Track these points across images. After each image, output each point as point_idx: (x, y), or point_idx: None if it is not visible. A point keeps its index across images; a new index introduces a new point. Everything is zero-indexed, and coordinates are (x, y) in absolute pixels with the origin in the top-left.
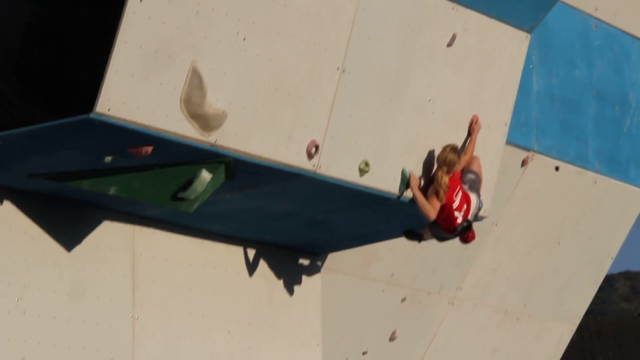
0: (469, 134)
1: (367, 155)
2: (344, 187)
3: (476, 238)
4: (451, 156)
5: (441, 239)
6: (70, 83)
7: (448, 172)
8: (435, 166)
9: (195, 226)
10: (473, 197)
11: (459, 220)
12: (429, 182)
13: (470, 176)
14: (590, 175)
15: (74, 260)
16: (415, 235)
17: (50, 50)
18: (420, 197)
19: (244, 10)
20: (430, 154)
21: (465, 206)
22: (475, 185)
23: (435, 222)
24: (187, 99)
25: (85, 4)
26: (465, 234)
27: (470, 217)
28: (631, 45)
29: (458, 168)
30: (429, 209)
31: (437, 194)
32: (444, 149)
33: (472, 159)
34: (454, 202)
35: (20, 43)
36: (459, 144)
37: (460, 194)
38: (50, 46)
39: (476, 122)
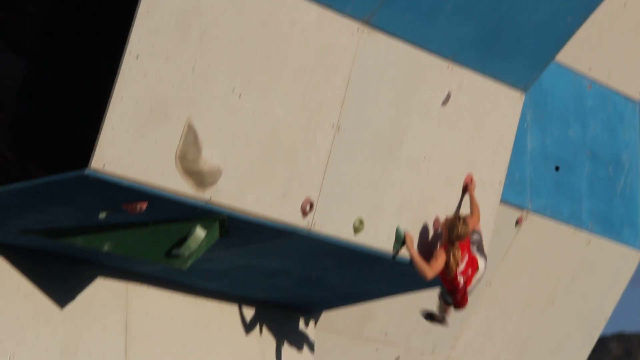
0: (464, 192)
1: (361, 213)
2: (338, 245)
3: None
4: (464, 229)
5: (444, 300)
6: (65, 139)
7: (461, 242)
8: (444, 235)
9: (189, 283)
10: (481, 261)
11: (461, 284)
12: (427, 241)
13: (475, 237)
14: (584, 235)
15: (66, 317)
16: (434, 317)
17: (45, 106)
18: (416, 256)
19: (239, 67)
20: (425, 212)
21: (469, 270)
22: (481, 246)
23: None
24: (182, 156)
25: (81, 59)
26: (457, 300)
27: (474, 280)
28: (625, 106)
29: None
30: (426, 268)
31: (446, 264)
32: (456, 222)
33: (477, 219)
34: (459, 267)
35: (15, 98)
36: (454, 202)
37: (466, 258)
38: (45, 101)
39: (471, 181)
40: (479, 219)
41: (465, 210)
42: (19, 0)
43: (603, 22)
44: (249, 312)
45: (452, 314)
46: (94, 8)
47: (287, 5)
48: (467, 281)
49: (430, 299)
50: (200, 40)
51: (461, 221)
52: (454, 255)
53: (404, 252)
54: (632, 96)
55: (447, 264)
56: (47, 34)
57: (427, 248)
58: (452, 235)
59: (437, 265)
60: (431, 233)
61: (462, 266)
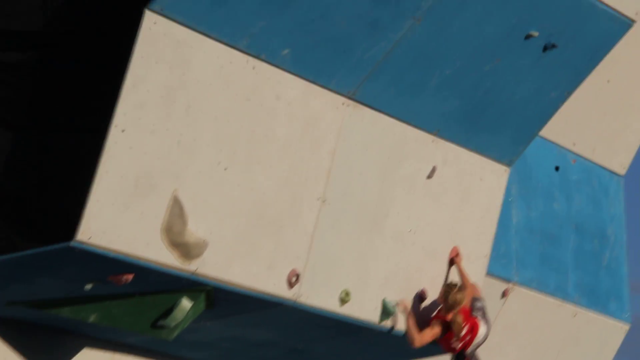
0: (450, 265)
1: (347, 285)
2: (324, 317)
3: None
4: (460, 295)
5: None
6: (51, 211)
7: (458, 310)
8: (443, 306)
9: (175, 354)
10: (482, 326)
11: (457, 348)
12: (415, 311)
13: (478, 304)
14: (570, 307)
15: None
16: None
17: (30, 179)
18: (411, 322)
19: (225, 140)
20: (411, 284)
21: (468, 337)
22: (485, 312)
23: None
24: (168, 228)
25: (66, 132)
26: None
27: (472, 346)
28: (609, 180)
29: (465, 303)
30: (416, 335)
31: (450, 330)
32: (449, 290)
33: (474, 288)
34: (452, 342)
35: (1, 171)
36: (440, 274)
37: (467, 326)
38: (30, 175)
39: (457, 254)
40: (475, 287)
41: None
42: (4, 74)
43: (587, 98)
44: None
45: None
46: (80, 82)
47: (272, 79)
48: (465, 345)
49: None
50: (186, 114)
51: (455, 289)
52: (455, 321)
53: (389, 324)
54: (616, 170)
55: (450, 330)
56: (32, 107)
57: (415, 318)
58: (448, 303)
59: (429, 335)
60: (418, 304)
61: (463, 331)
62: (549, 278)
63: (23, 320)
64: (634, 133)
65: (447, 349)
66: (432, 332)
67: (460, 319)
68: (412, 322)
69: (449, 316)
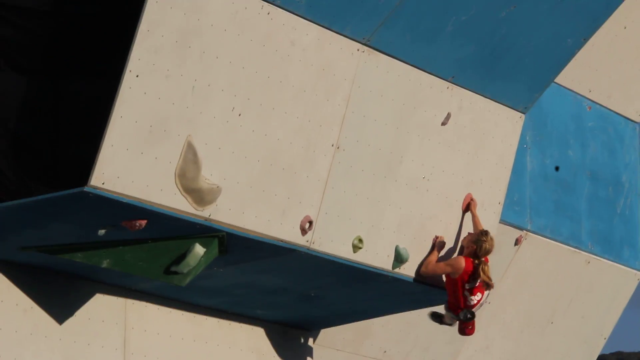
0: (464, 212)
1: (360, 232)
2: (337, 263)
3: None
4: (492, 244)
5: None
6: (65, 156)
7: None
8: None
9: (188, 300)
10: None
11: (471, 304)
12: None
13: None
14: (583, 255)
15: (65, 333)
16: (437, 316)
17: (45, 124)
18: (432, 254)
19: (239, 86)
20: (424, 231)
21: (479, 294)
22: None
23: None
24: (182, 174)
25: (81, 77)
26: (466, 324)
27: (477, 307)
28: (624, 127)
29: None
30: (429, 262)
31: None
32: (483, 237)
33: None
34: (464, 290)
35: (15, 116)
36: (453, 222)
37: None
38: (45, 119)
39: (471, 200)
40: None
41: (467, 229)
42: (19, 19)
43: (603, 45)
44: (248, 329)
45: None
46: (95, 27)
47: (287, 25)
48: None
49: (427, 318)
50: (200, 60)
51: (488, 236)
52: (483, 270)
53: (401, 271)
54: (632, 117)
55: (474, 277)
56: (47, 52)
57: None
58: (481, 250)
59: (441, 268)
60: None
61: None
62: (562, 226)
63: (36, 265)
64: None
65: (451, 294)
66: (446, 267)
67: (488, 269)
68: (433, 253)
69: (471, 263)
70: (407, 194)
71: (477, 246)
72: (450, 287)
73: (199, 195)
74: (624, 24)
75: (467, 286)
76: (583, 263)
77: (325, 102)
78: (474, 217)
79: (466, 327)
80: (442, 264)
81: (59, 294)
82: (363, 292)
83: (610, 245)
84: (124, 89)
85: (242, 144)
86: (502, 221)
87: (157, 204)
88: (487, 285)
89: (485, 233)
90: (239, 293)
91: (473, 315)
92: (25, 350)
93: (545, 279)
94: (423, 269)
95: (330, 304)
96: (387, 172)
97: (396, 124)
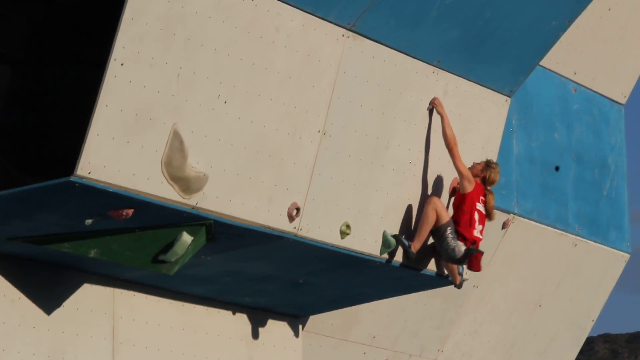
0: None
1: (348, 218)
2: (325, 250)
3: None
4: (497, 175)
5: (447, 255)
6: (51, 146)
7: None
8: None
9: (176, 289)
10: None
11: (476, 233)
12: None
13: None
14: (570, 238)
15: (53, 323)
16: (402, 242)
17: (30, 113)
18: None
19: (224, 73)
20: (412, 216)
21: (481, 226)
22: None
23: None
24: (168, 162)
25: (65, 66)
26: (474, 256)
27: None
28: (610, 109)
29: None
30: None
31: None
32: (492, 168)
33: None
34: (476, 209)
35: (0, 106)
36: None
37: (481, 209)
38: (30, 109)
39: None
40: None
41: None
42: (2, 8)
43: (587, 27)
44: (237, 317)
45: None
46: (78, 15)
47: (272, 11)
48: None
49: (416, 302)
50: (185, 47)
51: (495, 167)
52: (488, 200)
53: (387, 256)
54: (617, 99)
55: (483, 204)
56: (31, 41)
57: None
58: (488, 180)
59: (468, 171)
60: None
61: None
62: (549, 208)
63: (23, 256)
64: (634, 61)
65: (462, 214)
66: (465, 167)
67: (492, 198)
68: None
69: (482, 186)
70: (394, 179)
71: (486, 173)
72: (461, 206)
73: (185, 184)
74: (608, 6)
75: (478, 206)
76: (570, 246)
77: (311, 88)
78: (443, 118)
79: (473, 262)
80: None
81: (46, 285)
82: (351, 278)
83: (597, 227)
84: (109, 77)
85: (228, 131)
86: None
87: (143, 192)
88: (489, 216)
89: (494, 162)
90: (227, 281)
91: (480, 251)
92: (14, 341)
93: (533, 262)
94: (450, 135)
95: (319, 291)
96: (373, 158)
97: (382, 109)
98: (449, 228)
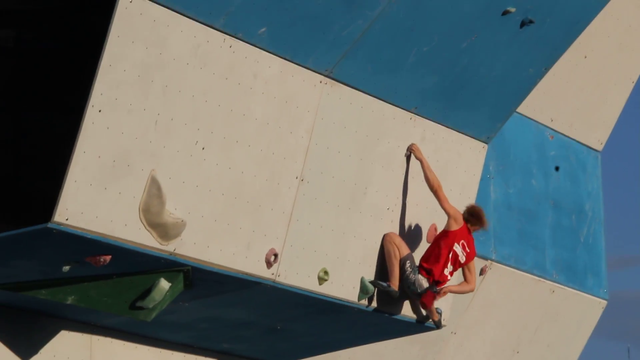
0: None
1: (326, 264)
2: (303, 296)
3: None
4: (485, 223)
5: (408, 289)
6: (28, 192)
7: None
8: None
9: (153, 335)
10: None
11: (445, 272)
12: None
13: None
14: (548, 284)
15: None
16: (381, 285)
17: (8, 160)
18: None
19: (202, 120)
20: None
21: (452, 267)
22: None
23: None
24: (146, 208)
25: (43, 113)
26: (428, 292)
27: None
28: (587, 156)
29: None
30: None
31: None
32: (482, 213)
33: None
34: (455, 246)
35: None
36: (418, 252)
37: (451, 254)
38: (7, 155)
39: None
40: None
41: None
42: None
43: (564, 74)
44: None
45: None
46: (57, 62)
47: (250, 58)
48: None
49: (394, 348)
50: (163, 94)
51: (484, 215)
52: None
53: (365, 302)
54: (594, 146)
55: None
56: (8, 87)
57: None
58: (480, 222)
59: (455, 211)
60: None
61: (458, 251)
62: (526, 255)
63: (0, 303)
64: (611, 108)
65: (436, 249)
66: (450, 207)
67: (470, 241)
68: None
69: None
70: (372, 225)
71: (475, 218)
72: (440, 241)
73: (163, 230)
74: (584, 53)
75: (456, 247)
76: (548, 292)
77: (289, 135)
78: (422, 163)
79: (427, 299)
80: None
81: (23, 332)
82: (329, 324)
83: (575, 273)
84: (87, 124)
85: (206, 177)
86: None
87: (121, 239)
88: (461, 264)
89: (482, 211)
90: (205, 327)
91: (437, 292)
92: None
93: (511, 308)
94: (432, 178)
95: (297, 337)
96: (351, 204)
97: (360, 155)
98: (408, 262)
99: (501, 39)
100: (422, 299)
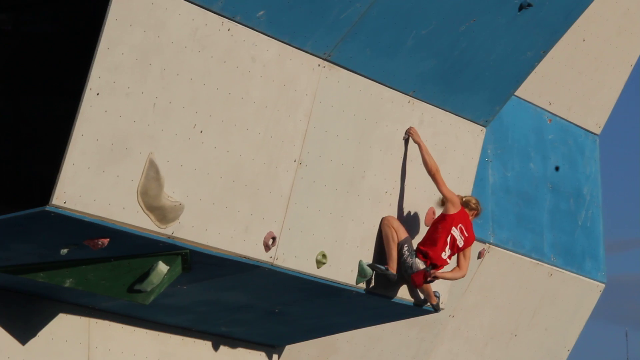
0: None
1: (324, 247)
2: (301, 279)
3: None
4: (479, 212)
5: (405, 272)
6: (27, 175)
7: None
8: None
9: (151, 318)
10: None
11: (444, 256)
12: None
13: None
14: (546, 267)
15: (28, 353)
16: (379, 268)
17: (6, 143)
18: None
19: (200, 103)
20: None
21: (450, 251)
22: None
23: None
24: (144, 191)
25: (41, 96)
26: (418, 274)
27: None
28: (585, 139)
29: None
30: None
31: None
32: (478, 203)
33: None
34: (453, 230)
35: None
36: (417, 237)
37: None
38: (5, 138)
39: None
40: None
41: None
42: None
43: (562, 58)
44: (212, 347)
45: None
46: (55, 45)
47: (248, 41)
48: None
49: (392, 332)
50: (161, 77)
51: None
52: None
53: (364, 285)
54: (592, 130)
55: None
56: (7, 71)
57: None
58: (477, 208)
59: (453, 195)
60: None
61: (456, 235)
62: (525, 238)
63: None
64: (609, 92)
65: (435, 233)
66: (448, 191)
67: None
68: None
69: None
70: (370, 209)
71: (472, 207)
72: (438, 224)
73: (161, 213)
74: (583, 37)
75: (454, 231)
76: (546, 275)
77: (287, 118)
78: (420, 146)
79: (416, 279)
80: (452, 195)
81: (21, 315)
82: (327, 308)
83: (573, 257)
84: (85, 107)
85: (204, 160)
86: None
87: (119, 222)
88: (459, 248)
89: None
90: (203, 310)
91: (433, 278)
92: None
93: (508, 292)
94: (430, 162)
95: (295, 320)
96: (349, 187)
97: (358, 139)
98: (406, 245)
99: (499, 22)
100: (412, 277)
